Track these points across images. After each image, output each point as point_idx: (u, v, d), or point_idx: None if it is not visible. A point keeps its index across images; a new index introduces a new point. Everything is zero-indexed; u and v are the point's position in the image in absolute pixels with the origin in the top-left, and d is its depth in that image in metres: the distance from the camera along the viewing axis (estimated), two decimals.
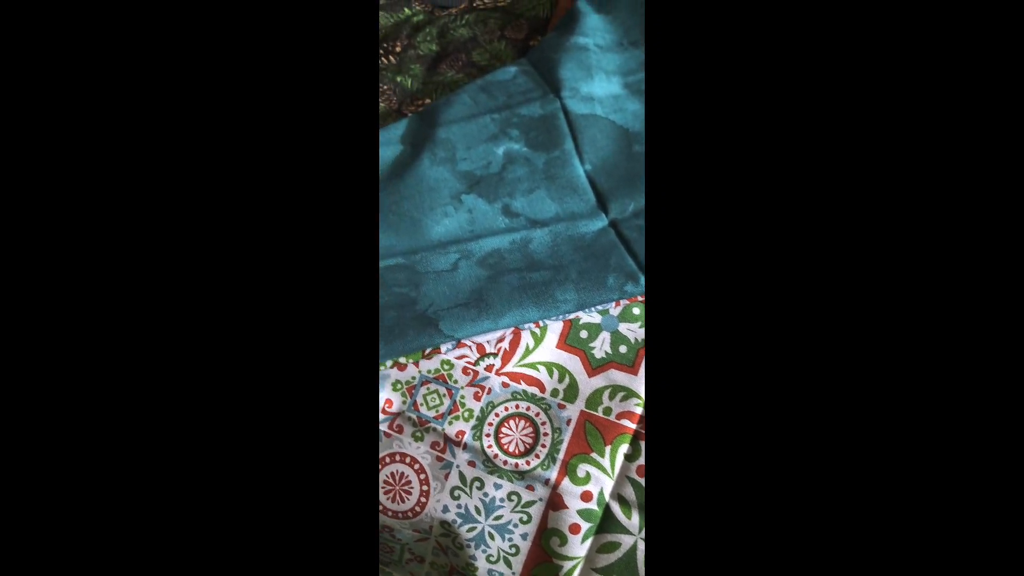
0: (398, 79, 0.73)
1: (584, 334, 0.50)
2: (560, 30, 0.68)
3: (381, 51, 0.76)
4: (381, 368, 0.50)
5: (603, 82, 0.62)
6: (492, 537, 0.48)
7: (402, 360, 0.50)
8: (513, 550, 0.48)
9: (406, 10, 0.79)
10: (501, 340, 0.50)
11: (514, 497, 0.47)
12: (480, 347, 0.50)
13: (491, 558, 0.48)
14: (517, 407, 0.49)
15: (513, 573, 0.48)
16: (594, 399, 0.48)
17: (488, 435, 0.48)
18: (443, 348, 0.50)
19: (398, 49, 0.76)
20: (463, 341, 0.50)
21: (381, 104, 0.71)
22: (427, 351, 0.50)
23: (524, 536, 0.47)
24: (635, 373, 0.49)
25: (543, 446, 0.48)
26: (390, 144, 0.61)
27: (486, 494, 0.48)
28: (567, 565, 0.47)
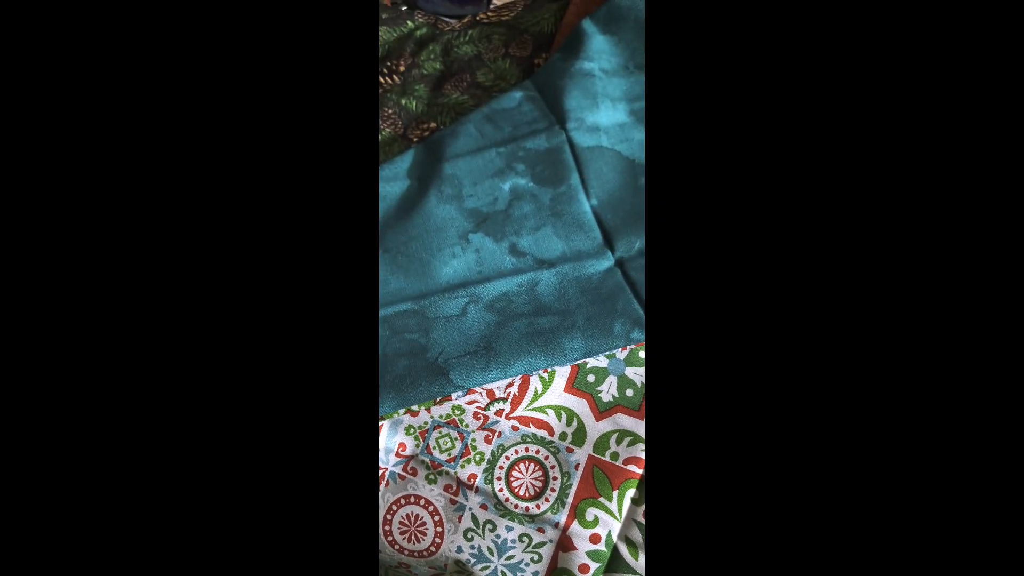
0: (403, 102, 0.72)
1: (591, 378, 0.51)
2: (565, 52, 0.67)
3: (384, 71, 0.75)
4: (395, 415, 0.52)
5: (609, 110, 0.62)
6: (504, 575, 0.50)
7: (414, 407, 0.52)
8: None
9: (409, 23, 0.78)
10: (511, 385, 0.52)
11: (525, 539, 0.49)
12: (490, 392, 0.52)
13: None
14: (527, 450, 0.51)
15: None
16: (601, 443, 0.50)
17: (499, 478, 0.50)
18: (454, 396, 0.51)
19: (402, 68, 0.75)
20: (473, 388, 0.51)
21: (387, 129, 0.70)
22: (438, 399, 0.51)
23: (536, 573, 0.49)
24: (641, 418, 0.50)
25: (552, 490, 0.49)
26: (397, 179, 0.61)
27: (498, 536, 0.49)
28: None
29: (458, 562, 0.50)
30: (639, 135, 0.61)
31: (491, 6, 0.79)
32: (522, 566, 0.49)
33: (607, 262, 0.55)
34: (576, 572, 0.48)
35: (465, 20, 0.77)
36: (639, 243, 0.55)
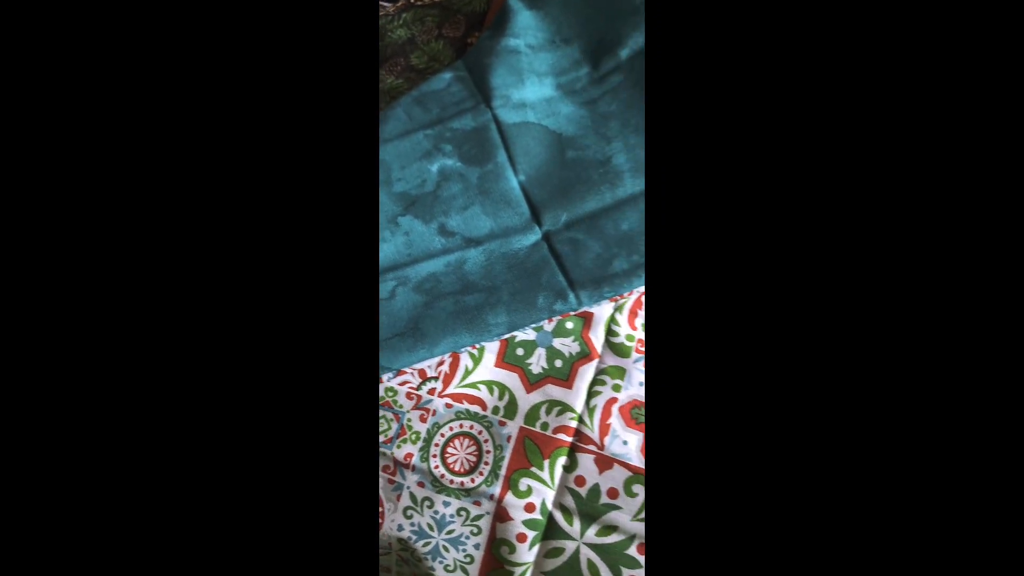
0: None
1: (520, 351, 0.52)
2: (493, 30, 0.67)
3: None
4: None
5: (535, 85, 0.62)
6: (447, 549, 0.51)
7: None
8: (468, 559, 0.51)
9: None
10: (441, 364, 0.52)
11: (463, 512, 0.50)
12: (422, 372, 0.52)
13: (448, 567, 0.51)
14: (461, 426, 0.51)
15: None
16: (532, 414, 0.50)
17: (435, 456, 0.51)
18: (384, 378, 0.52)
19: None
20: (403, 369, 0.52)
21: None
22: None
23: (476, 546, 0.50)
24: (570, 387, 0.51)
25: (486, 463, 0.50)
26: None
27: (436, 512, 0.50)
28: (517, 571, 0.50)
29: (401, 540, 0.51)
30: (566, 108, 0.61)
31: None
32: (463, 539, 0.50)
33: (534, 236, 0.55)
34: (514, 542, 0.49)
35: (399, 4, 0.77)
36: (565, 216, 0.56)
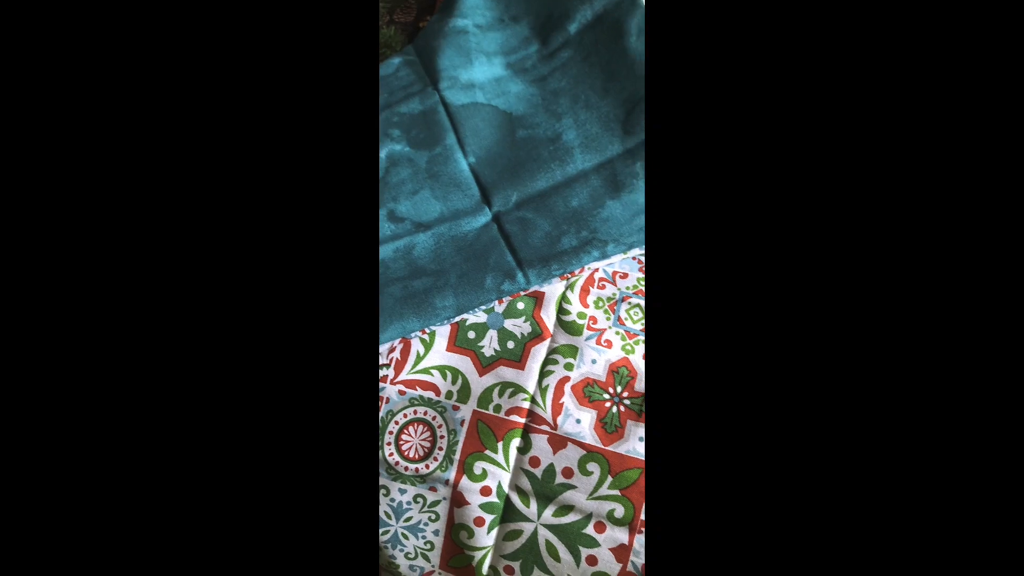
0: None
1: (472, 334, 0.51)
2: (442, 11, 0.66)
3: None
4: None
5: (484, 66, 0.61)
6: (406, 537, 0.50)
7: None
8: (428, 546, 0.50)
9: None
10: (392, 350, 0.52)
11: (420, 499, 0.50)
12: None
13: (409, 555, 0.50)
14: (415, 412, 0.51)
15: (432, 565, 0.51)
16: (485, 398, 0.50)
17: (389, 443, 0.50)
18: None
19: None
20: None
21: None
22: None
23: (436, 532, 0.50)
24: (522, 368, 0.50)
25: (440, 449, 0.50)
26: None
27: (393, 499, 0.50)
28: (478, 555, 0.49)
29: None
30: (516, 87, 0.60)
31: None
32: (421, 526, 0.50)
33: (484, 218, 0.55)
34: (473, 526, 0.49)
35: None
36: (516, 195, 0.55)
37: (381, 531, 0.50)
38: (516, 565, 0.49)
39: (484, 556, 0.49)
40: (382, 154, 0.58)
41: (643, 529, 0.47)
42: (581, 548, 0.48)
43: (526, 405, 0.49)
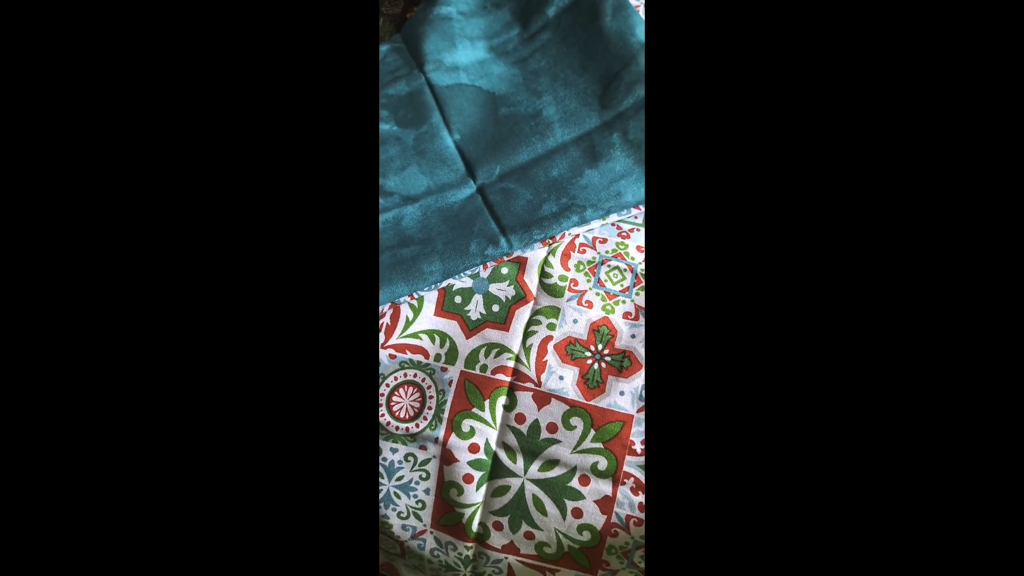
0: None
1: (458, 299, 0.53)
2: (427, 1, 0.68)
3: None
4: None
5: (467, 49, 0.64)
6: (398, 496, 0.52)
7: None
8: (419, 505, 0.52)
9: None
10: (383, 316, 0.54)
11: (410, 458, 0.51)
12: None
13: (401, 514, 0.52)
14: (405, 375, 0.53)
15: (424, 525, 0.52)
16: (472, 358, 0.52)
17: (380, 405, 0.52)
18: None
19: None
20: None
21: None
22: None
23: (427, 491, 0.52)
24: (507, 329, 0.52)
25: (429, 408, 0.51)
26: None
27: (385, 459, 0.52)
28: (468, 512, 0.51)
29: None
30: (498, 69, 0.63)
31: None
32: (412, 485, 0.52)
33: (469, 190, 0.57)
34: (462, 483, 0.50)
35: None
36: (499, 168, 0.57)
37: None
38: (504, 520, 0.50)
39: (474, 513, 0.51)
40: None
41: (625, 480, 0.49)
42: (567, 501, 0.49)
43: (511, 364, 0.51)
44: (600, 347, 0.51)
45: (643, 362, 0.50)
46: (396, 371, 0.53)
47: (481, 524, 0.51)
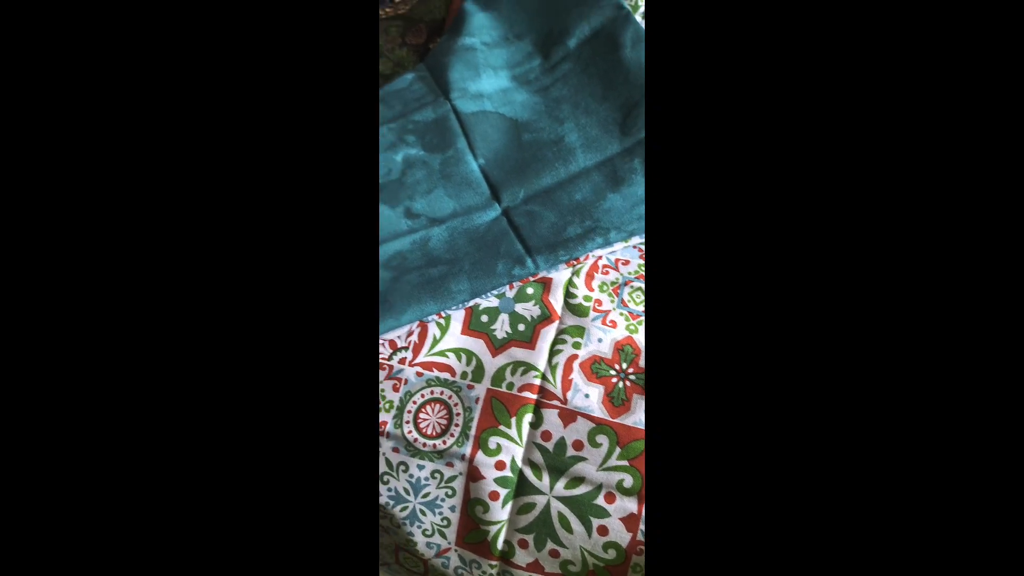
0: None
1: (485, 318, 0.55)
2: (451, 32, 0.71)
3: None
4: None
5: (491, 78, 0.66)
6: (424, 513, 0.52)
7: None
8: (445, 522, 0.52)
9: None
10: (410, 334, 0.55)
11: (437, 475, 0.52)
12: (392, 343, 0.55)
13: (427, 532, 0.52)
14: (432, 392, 0.54)
15: (449, 543, 0.53)
16: (498, 376, 0.53)
17: (408, 422, 0.53)
18: None
19: None
20: None
21: None
22: None
23: (452, 508, 0.52)
24: (533, 348, 0.53)
25: (456, 425, 0.52)
26: None
27: (411, 475, 0.52)
28: (493, 529, 0.51)
29: (379, 507, 0.53)
30: (521, 97, 0.65)
31: (390, 3, 0.83)
32: (438, 502, 0.52)
33: (494, 212, 0.59)
34: (488, 500, 0.51)
35: None
36: (523, 192, 0.59)
37: (399, 508, 0.52)
38: (530, 538, 0.51)
39: (499, 531, 0.51)
40: (398, 158, 0.63)
41: None
42: (592, 519, 0.50)
43: (537, 382, 0.52)
44: (625, 366, 0.52)
45: None
46: (423, 388, 0.54)
47: (506, 542, 0.52)
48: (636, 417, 0.50)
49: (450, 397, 0.53)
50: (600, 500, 0.50)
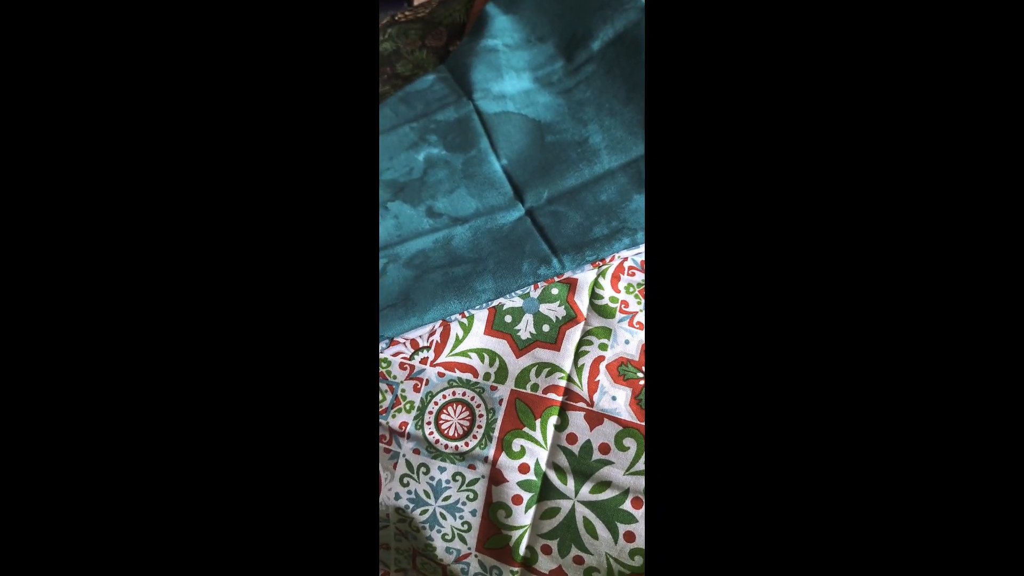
0: None
1: (508, 318, 0.54)
2: (472, 34, 0.71)
3: None
4: None
5: (513, 80, 0.66)
6: (444, 517, 0.51)
7: None
8: (465, 527, 0.51)
9: None
10: (432, 333, 0.54)
11: (459, 477, 0.51)
12: (414, 342, 0.54)
13: (446, 536, 0.51)
14: (454, 393, 0.52)
15: (469, 548, 0.51)
16: (522, 378, 0.52)
17: (429, 423, 0.52)
18: (379, 348, 0.53)
19: None
20: (396, 339, 0.53)
21: None
22: None
23: (473, 512, 0.51)
24: (558, 349, 0.52)
25: (479, 427, 0.51)
26: None
27: (432, 478, 0.51)
28: (515, 534, 0.50)
29: (399, 510, 0.52)
30: (544, 99, 0.65)
31: (410, 6, 0.84)
32: (459, 505, 0.51)
33: (518, 212, 0.58)
34: (511, 504, 0.50)
35: (384, 21, 0.82)
36: (547, 192, 0.58)
37: (419, 511, 0.51)
38: (554, 544, 0.50)
39: (521, 536, 0.50)
40: (420, 157, 0.62)
41: None
42: (619, 524, 0.48)
43: (562, 384, 0.51)
44: None
45: None
46: (445, 389, 0.53)
47: (529, 547, 0.50)
48: None
49: (472, 398, 0.52)
50: (627, 505, 0.49)
